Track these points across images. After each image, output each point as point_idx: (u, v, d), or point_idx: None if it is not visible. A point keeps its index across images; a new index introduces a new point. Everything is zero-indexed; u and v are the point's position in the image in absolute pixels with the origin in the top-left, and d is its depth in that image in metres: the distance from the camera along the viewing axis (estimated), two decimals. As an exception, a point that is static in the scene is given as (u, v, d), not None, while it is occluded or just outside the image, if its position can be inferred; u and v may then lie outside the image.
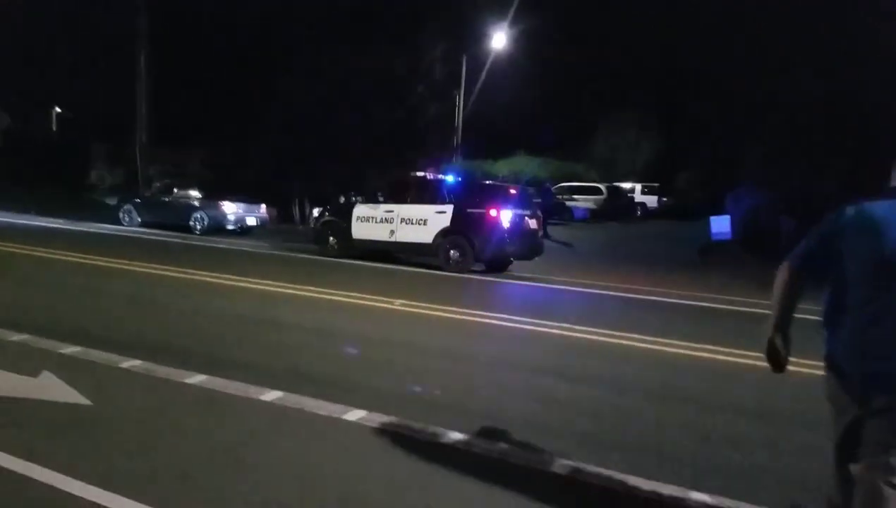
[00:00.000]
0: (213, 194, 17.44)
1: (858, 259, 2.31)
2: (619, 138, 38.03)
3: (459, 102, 34.74)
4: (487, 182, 12.66)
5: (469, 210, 11.92)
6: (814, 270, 2.49)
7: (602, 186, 31.23)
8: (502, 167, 34.17)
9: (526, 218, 12.24)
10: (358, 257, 12.90)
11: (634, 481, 3.28)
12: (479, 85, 33.69)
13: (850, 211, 2.38)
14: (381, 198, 13.14)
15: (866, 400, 2.22)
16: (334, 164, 20.40)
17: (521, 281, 11.60)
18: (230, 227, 17.18)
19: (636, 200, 33.25)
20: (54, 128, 36.50)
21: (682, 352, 6.36)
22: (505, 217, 11.68)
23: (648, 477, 3.32)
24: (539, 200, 22.90)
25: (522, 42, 34.08)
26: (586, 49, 39.12)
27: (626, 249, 18.87)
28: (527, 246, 12.35)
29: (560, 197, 29.47)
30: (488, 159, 34.15)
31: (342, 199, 13.85)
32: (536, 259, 13.02)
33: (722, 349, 6.37)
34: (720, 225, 16.05)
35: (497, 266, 12.56)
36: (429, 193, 12.60)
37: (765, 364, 2.52)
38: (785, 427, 4.38)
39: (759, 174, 19.66)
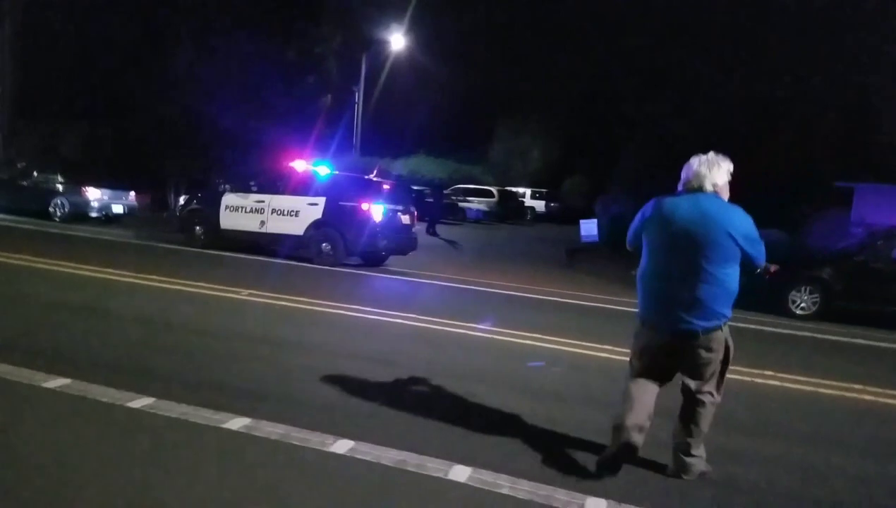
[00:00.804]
0: (77, 178, 16.26)
1: (655, 237, 3.40)
2: (513, 144, 39.26)
3: (359, 98, 34.57)
4: (367, 177, 12.56)
5: (342, 203, 11.84)
6: (636, 247, 3.56)
7: (494, 190, 32.09)
8: (401, 166, 34.34)
9: (398, 213, 12.31)
10: (226, 249, 12.48)
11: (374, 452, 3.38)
12: (380, 82, 33.71)
13: (650, 205, 3.45)
14: (253, 187, 12.80)
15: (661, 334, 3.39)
16: (217, 150, 19.60)
17: (389, 274, 11.65)
18: (94, 215, 16.08)
19: (526, 204, 34.44)
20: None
21: (497, 338, 6.64)
22: (377, 211, 11.68)
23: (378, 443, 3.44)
24: (431, 200, 23.26)
25: (424, 44, 34.49)
26: (488, 55, 40.21)
27: (506, 249, 19.47)
28: (399, 241, 12.40)
29: (454, 198, 29.99)
30: (386, 158, 34.15)
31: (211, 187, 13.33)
32: (415, 254, 13.15)
33: (536, 335, 6.74)
34: (588, 228, 16.88)
35: (372, 260, 12.54)
36: (302, 184, 12.37)
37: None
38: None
39: (631, 183, 20.92)
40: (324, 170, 12.77)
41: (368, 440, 3.55)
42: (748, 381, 5.63)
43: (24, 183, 16.57)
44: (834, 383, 5.87)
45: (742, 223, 3.26)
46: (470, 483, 3.18)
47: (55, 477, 2.89)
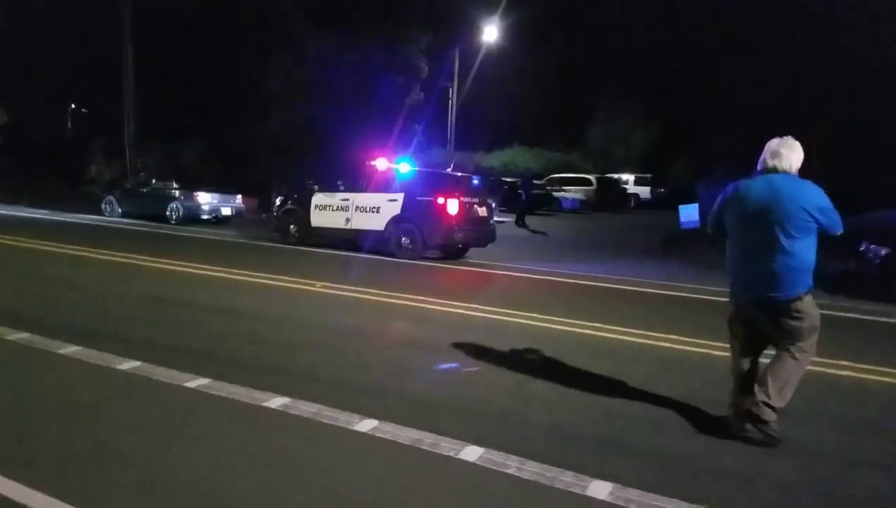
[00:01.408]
0: (190, 185, 17.83)
1: (734, 217, 3.74)
2: (613, 129, 37.99)
3: (452, 94, 34.95)
4: (447, 171, 12.83)
5: (419, 198, 12.15)
6: (717, 229, 3.93)
7: (592, 177, 31.27)
8: (494, 159, 34.40)
9: (475, 205, 12.42)
10: (316, 245, 13.20)
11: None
12: (470, 76, 33.87)
13: (730, 187, 3.80)
14: (340, 187, 13.44)
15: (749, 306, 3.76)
16: (314, 154, 20.70)
17: (466, 266, 11.80)
18: (205, 217, 17.58)
19: (629, 191, 33.23)
20: (69, 125, 37.54)
21: (558, 328, 6.58)
22: (452, 205, 11.87)
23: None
24: (521, 191, 23.12)
25: (514, 33, 34.20)
26: (580, 39, 39.15)
27: (600, 239, 18.97)
28: (476, 233, 12.53)
29: (549, 188, 29.56)
30: (479, 151, 34.35)
31: (302, 188, 14.14)
32: (499, 246, 13.25)
33: (591, 323, 6.64)
34: (688, 214, 15.92)
35: (452, 253, 12.79)
36: (382, 182, 12.82)
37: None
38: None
39: (730, 162, 19.64)
40: (405, 167, 13.15)
41: (392, 419, 3.76)
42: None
43: (144, 190, 18.41)
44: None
45: (815, 195, 3.55)
46: (478, 463, 3.27)
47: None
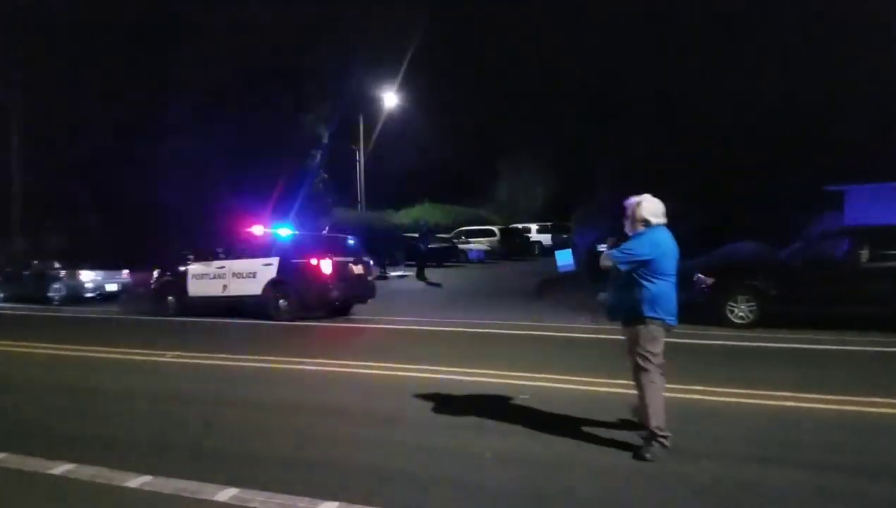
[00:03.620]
0: (73, 263, 17.48)
1: (667, 262, 4.37)
2: (516, 181, 39.84)
3: (360, 158, 35.87)
4: (323, 232, 13.35)
5: (294, 260, 12.51)
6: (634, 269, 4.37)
7: (495, 229, 32.47)
8: (404, 216, 35.23)
9: (350, 264, 12.89)
10: (195, 314, 13.23)
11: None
12: (372, 140, 34.99)
13: (657, 236, 4.36)
14: (221, 255, 13.60)
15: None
16: (203, 226, 20.73)
17: (345, 323, 12.14)
18: (89, 295, 17.22)
19: (532, 239, 34.65)
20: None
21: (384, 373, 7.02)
22: (325, 265, 12.29)
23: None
24: (420, 244, 23.82)
25: (418, 94, 35.84)
26: (485, 96, 41.31)
27: (489, 286, 19.75)
28: (352, 290, 12.97)
29: (455, 241, 30.46)
30: (388, 209, 35.15)
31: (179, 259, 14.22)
32: (384, 301, 13.69)
33: (418, 366, 7.09)
34: (564, 258, 17.10)
35: (335, 310, 13.11)
36: (258, 247, 13.12)
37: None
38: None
39: (598, 210, 21.12)
40: (284, 232, 13.50)
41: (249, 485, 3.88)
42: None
43: (26, 272, 17.90)
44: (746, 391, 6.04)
45: None
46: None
47: None
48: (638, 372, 4.36)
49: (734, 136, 22.99)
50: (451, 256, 27.97)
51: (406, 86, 34.91)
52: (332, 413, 5.67)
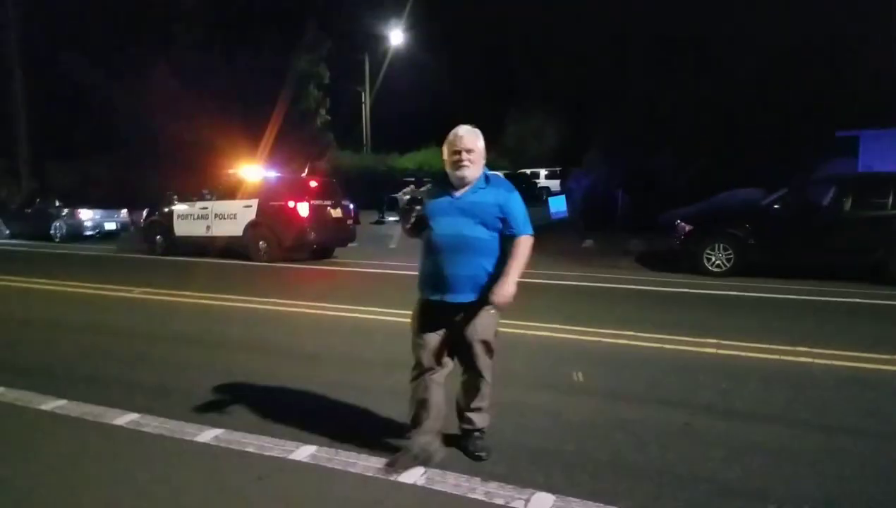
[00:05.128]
0: (73, 202, 17.77)
1: None
2: (525, 127, 39.06)
3: (365, 98, 35.43)
4: (303, 176, 13.37)
5: (272, 203, 12.54)
6: None
7: (500, 173, 32.06)
8: (408, 161, 34.93)
9: (328, 208, 12.88)
10: (182, 254, 13.45)
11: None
12: (378, 81, 34.44)
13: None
14: (207, 196, 13.67)
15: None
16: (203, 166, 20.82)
17: (322, 266, 12.24)
18: (88, 233, 17.56)
19: (540, 185, 34.25)
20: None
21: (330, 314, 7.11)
22: (302, 208, 12.31)
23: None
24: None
25: (427, 35, 34.99)
26: (495, 40, 40.15)
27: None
28: (331, 234, 13.02)
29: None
30: (392, 153, 34.86)
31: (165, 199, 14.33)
32: (374, 246, 13.69)
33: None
34: (557, 204, 16.94)
35: (317, 254, 13.19)
36: (239, 189, 13.15)
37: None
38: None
39: (602, 156, 20.67)
40: (256, 173, 13.46)
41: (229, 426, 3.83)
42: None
43: (29, 210, 18.27)
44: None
45: None
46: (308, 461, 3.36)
47: None
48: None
49: (745, 81, 22.15)
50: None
51: (413, 28, 34.16)
52: (257, 349, 5.78)
